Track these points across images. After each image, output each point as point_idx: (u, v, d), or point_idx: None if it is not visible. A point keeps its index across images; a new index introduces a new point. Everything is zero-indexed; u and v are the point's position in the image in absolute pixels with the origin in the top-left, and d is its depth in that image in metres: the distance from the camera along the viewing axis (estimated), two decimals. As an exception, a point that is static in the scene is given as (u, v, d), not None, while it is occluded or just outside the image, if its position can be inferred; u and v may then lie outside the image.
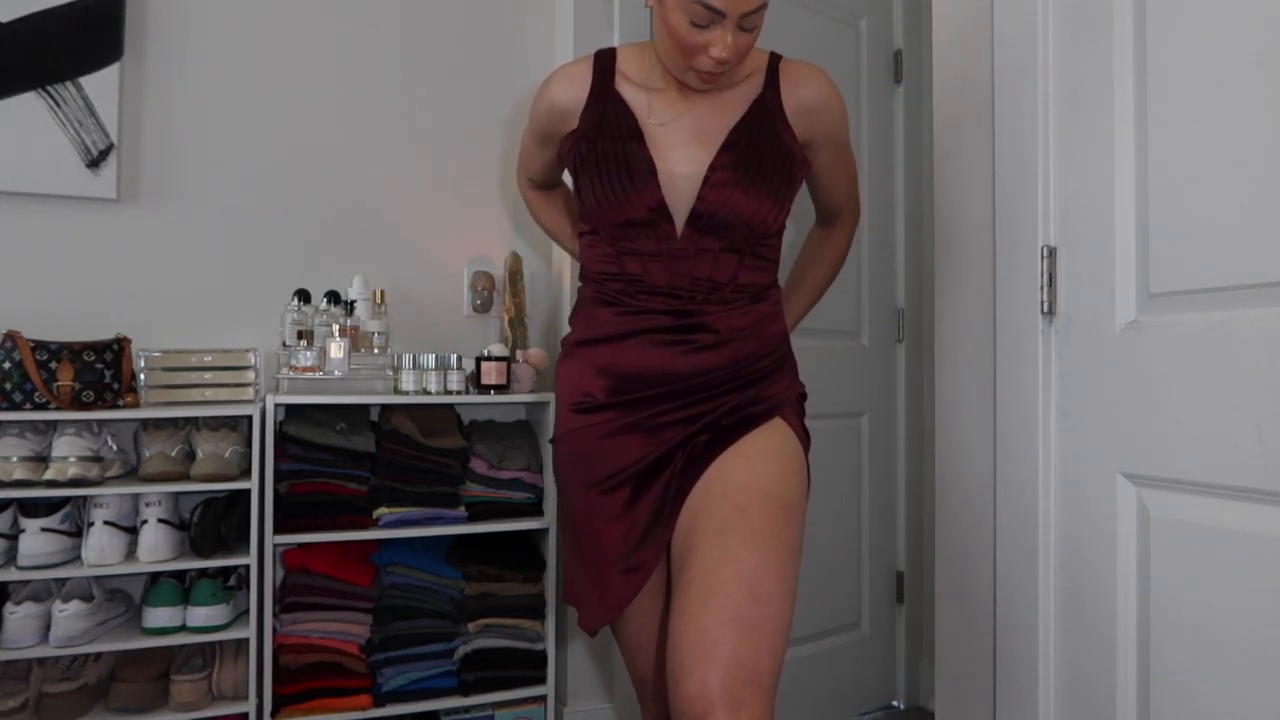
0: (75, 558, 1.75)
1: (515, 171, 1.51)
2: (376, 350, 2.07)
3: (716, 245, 1.17)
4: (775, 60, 1.24)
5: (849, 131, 1.30)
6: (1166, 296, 1.09)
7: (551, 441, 1.29)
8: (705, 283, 1.18)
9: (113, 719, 1.74)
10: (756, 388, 1.20)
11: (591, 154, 1.19)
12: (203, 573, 1.85)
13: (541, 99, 1.28)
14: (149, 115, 2.07)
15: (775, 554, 1.04)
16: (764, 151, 1.18)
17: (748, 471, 1.12)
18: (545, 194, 1.51)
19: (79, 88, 1.97)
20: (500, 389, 2.05)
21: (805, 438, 1.23)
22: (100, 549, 1.72)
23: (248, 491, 1.83)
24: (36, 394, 1.76)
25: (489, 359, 2.05)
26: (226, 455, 1.84)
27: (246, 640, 1.85)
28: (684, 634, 0.99)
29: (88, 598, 1.74)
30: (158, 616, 1.78)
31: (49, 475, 1.68)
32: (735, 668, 0.96)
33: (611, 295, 1.22)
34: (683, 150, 1.18)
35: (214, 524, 1.82)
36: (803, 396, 1.27)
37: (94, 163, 1.98)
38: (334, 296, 2.09)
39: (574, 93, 1.24)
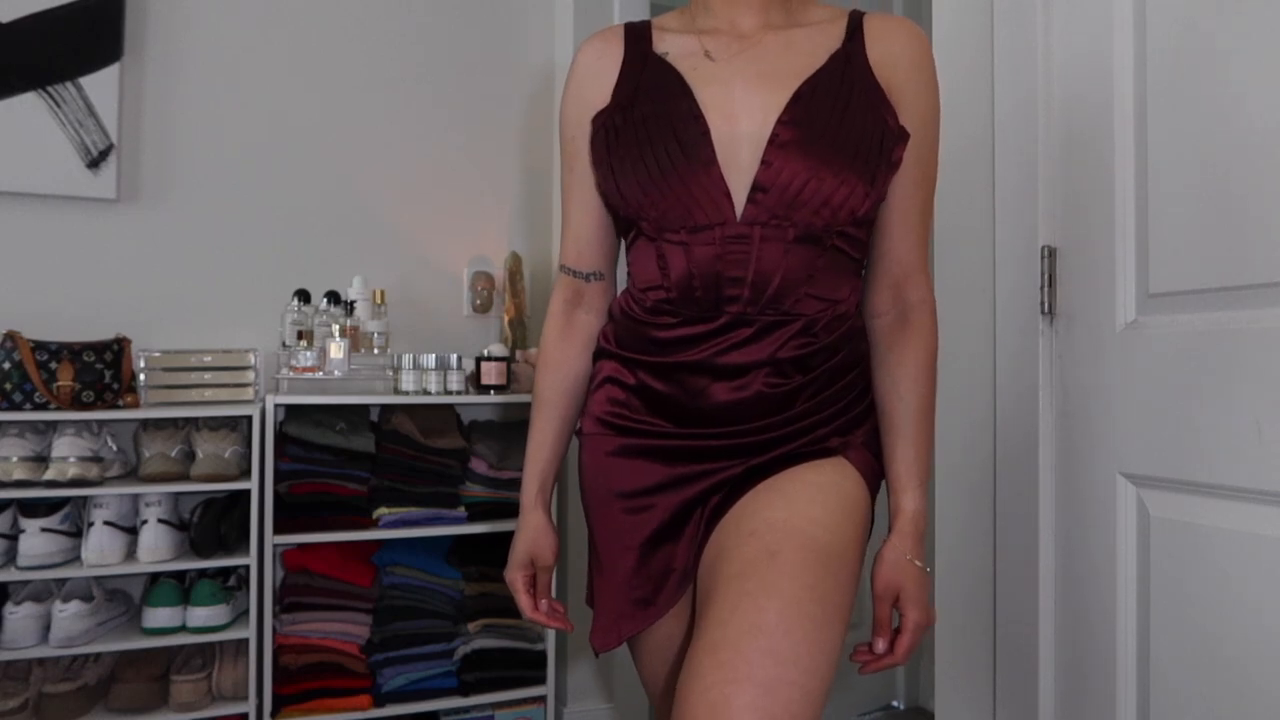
0: (75, 558, 1.75)
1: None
2: (376, 350, 2.07)
3: (787, 233, 0.93)
4: (858, 15, 1.01)
5: (937, 127, 1.00)
6: (1166, 296, 1.08)
7: (577, 433, 1.08)
8: (772, 286, 0.94)
9: (113, 719, 1.74)
10: (826, 427, 0.98)
11: (629, 125, 0.96)
12: (202, 573, 1.85)
13: (570, 92, 1.04)
14: (149, 115, 2.07)
15: (805, 607, 0.84)
16: (849, 109, 0.93)
17: (785, 509, 0.92)
18: (570, 324, 1.09)
19: (79, 88, 1.97)
20: (500, 389, 2.05)
21: (873, 478, 1.01)
22: (100, 549, 1.72)
23: (247, 492, 1.83)
24: (36, 394, 1.76)
25: (489, 359, 2.06)
26: (226, 455, 1.83)
27: (246, 640, 1.85)
28: (686, 694, 0.81)
29: (88, 598, 1.74)
30: (158, 617, 1.78)
31: (49, 475, 1.68)
32: None
33: (652, 306, 0.98)
34: (743, 96, 0.94)
35: (214, 524, 1.82)
36: (875, 429, 1.03)
37: (94, 163, 1.98)
38: (334, 296, 2.09)
39: (603, 61, 1.02)
